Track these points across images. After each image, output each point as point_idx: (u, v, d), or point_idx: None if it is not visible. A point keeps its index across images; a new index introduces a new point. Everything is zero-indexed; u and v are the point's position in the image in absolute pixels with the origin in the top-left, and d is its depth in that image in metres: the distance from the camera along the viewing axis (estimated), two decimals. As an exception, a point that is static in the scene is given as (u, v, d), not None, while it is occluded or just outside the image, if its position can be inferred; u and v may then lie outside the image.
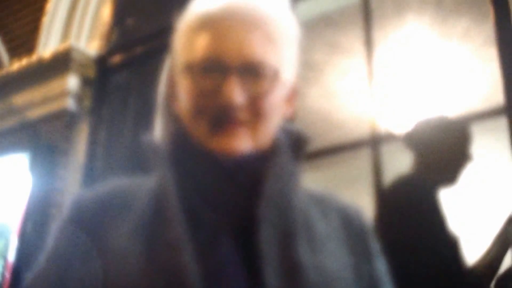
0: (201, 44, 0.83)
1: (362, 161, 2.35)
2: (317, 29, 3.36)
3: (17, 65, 3.45)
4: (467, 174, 2.09)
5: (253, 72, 0.81)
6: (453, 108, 2.77)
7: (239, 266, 0.76)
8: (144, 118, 3.14)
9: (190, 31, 0.86)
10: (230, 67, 0.80)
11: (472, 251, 2.08)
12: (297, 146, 0.88)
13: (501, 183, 2.35)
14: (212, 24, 0.83)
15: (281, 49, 0.85)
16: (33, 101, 3.29)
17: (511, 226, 2.01)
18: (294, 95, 0.91)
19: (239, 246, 0.78)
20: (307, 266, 0.77)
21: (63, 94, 3.18)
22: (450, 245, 1.95)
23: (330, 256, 0.81)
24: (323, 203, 0.90)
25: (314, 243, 0.81)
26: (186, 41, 0.86)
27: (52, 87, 3.24)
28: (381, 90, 2.53)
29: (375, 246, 0.90)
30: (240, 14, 0.83)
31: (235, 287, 0.75)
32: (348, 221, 0.89)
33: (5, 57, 3.71)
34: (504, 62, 2.00)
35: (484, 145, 2.44)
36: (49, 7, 3.60)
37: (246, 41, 0.82)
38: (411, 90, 3.84)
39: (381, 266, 0.88)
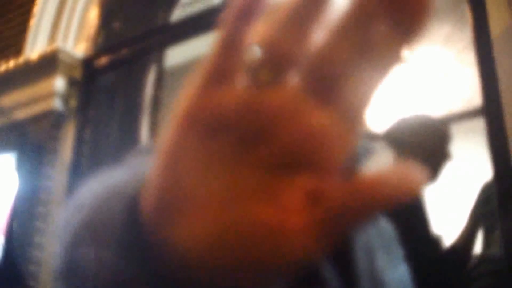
0: None
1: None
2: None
3: (4, 67, 3.46)
4: (446, 172, 2.14)
5: None
6: (433, 109, 2.83)
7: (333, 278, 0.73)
8: (130, 118, 3.17)
9: None
10: None
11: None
12: (362, 159, 0.87)
13: (478, 181, 2.40)
14: None
15: None
16: (20, 102, 3.30)
17: (477, 209, 2.07)
18: None
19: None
20: (387, 279, 0.76)
21: (50, 94, 3.20)
22: (430, 242, 1.99)
23: (387, 267, 0.79)
24: None
25: (377, 253, 0.79)
26: None
27: (39, 88, 3.26)
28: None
29: (401, 252, 0.89)
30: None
31: None
32: (379, 227, 0.87)
33: (-8, 59, 3.71)
34: (482, 66, 2.04)
35: (463, 144, 2.50)
36: (36, 9, 3.61)
37: None
38: (393, 92, 3.89)
39: (406, 274, 0.87)
